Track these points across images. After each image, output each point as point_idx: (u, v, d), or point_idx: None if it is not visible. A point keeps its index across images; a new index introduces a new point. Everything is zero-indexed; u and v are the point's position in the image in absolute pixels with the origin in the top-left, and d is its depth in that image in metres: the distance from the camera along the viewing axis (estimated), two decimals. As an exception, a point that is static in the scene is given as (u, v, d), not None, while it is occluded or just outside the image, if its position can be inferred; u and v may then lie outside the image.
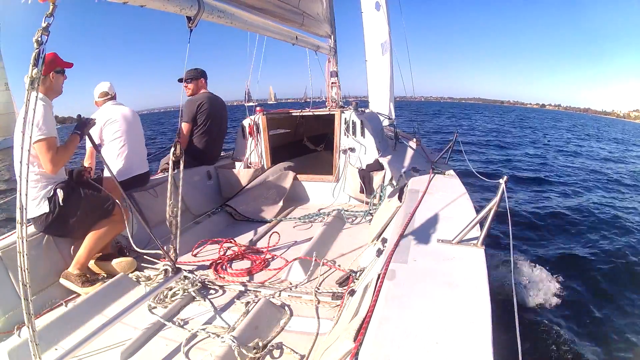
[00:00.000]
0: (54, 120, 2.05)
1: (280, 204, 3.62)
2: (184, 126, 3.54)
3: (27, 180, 1.18)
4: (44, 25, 1.15)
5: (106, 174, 2.69)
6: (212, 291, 2.13)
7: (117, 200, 2.32)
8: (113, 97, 2.86)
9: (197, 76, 3.67)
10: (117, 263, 2.29)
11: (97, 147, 2.37)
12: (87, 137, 2.26)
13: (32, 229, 2.13)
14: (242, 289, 2.14)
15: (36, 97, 1.17)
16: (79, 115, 2.27)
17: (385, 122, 5.29)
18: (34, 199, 2.03)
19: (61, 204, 2.07)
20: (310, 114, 4.10)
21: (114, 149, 2.72)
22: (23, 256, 1.20)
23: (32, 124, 1.33)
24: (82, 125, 2.21)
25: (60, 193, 2.07)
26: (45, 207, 2.06)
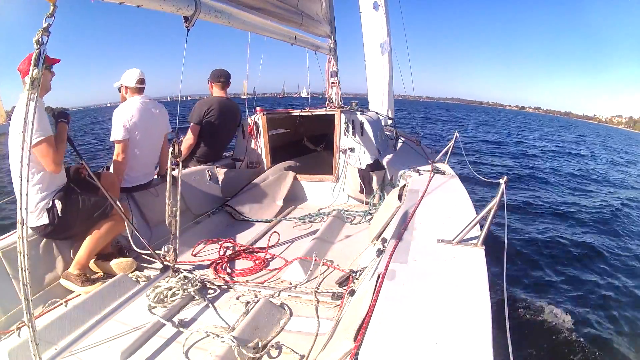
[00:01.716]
0: (47, 118, 2.03)
1: (280, 204, 3.62)
2: (192, 128, 3.57)
3: (27, 180, 1.18)
4: (44, 25, 1.14)
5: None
6: (211, 291, 2.13)
7: (116, 201, 2.31)
8: (140, 90, 2.74)
9: (209, 79, 3.76)
10: (117, 264, 2.28)
11: (75, 148, 2.31)
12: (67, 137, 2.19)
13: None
14: (242, 289, 2.15)
15: (36, 97, 1.17)
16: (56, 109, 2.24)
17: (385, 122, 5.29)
18: (32, 212, 2.01)
19: (60, 215, 2.07)
20: (310, 114, 4.10)
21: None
22: (23, 256, 1.20)
23: (31, 126, 1.32)
24: (64, 114, 2.18)
25: (58, 204, 2.06)
26: (44, 219, 2.05)
